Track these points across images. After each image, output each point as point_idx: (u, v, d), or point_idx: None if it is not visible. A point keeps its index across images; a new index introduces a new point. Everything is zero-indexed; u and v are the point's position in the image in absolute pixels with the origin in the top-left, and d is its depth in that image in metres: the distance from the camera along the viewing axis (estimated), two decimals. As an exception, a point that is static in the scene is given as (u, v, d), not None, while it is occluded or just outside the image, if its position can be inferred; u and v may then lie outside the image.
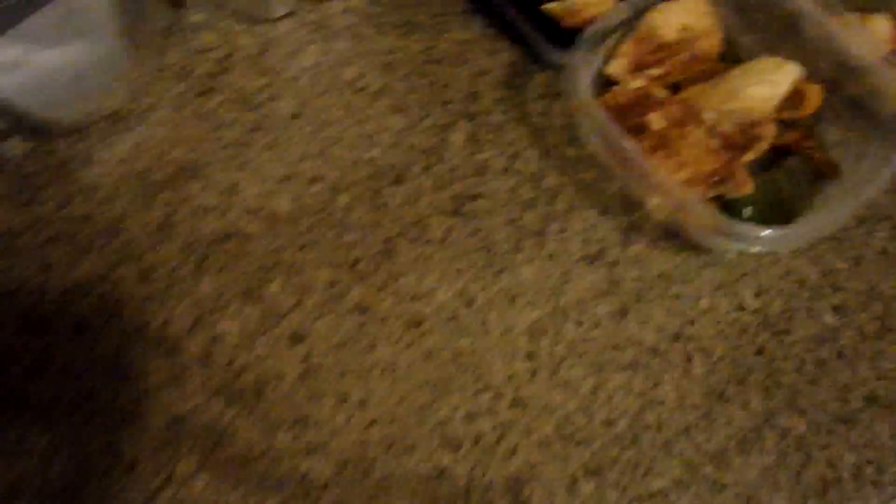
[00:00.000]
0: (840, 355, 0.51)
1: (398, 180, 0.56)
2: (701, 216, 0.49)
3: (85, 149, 0.57)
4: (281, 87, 0.59)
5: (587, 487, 0.46)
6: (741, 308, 0.53)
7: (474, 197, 0.56)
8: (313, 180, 0.56)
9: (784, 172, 0.54)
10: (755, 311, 0.53)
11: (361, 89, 0.60)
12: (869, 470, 0.47)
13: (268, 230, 0.54)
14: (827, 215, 0.49)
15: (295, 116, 0.59)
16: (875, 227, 0.57)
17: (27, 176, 0.56)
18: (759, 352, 0.51)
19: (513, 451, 0.48)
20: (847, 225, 0.55)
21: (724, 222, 0.48)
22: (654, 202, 0.54)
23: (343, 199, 0.55)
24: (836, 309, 0.53)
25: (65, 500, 0.46)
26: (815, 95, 0.57)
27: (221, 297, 0.52)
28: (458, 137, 0.58)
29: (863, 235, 0.57)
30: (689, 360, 0.50)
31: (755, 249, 0.50)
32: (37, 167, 0.57)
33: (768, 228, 0.47)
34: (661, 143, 0.53)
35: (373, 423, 0.49)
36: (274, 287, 0.53)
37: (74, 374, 0.49)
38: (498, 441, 0.48)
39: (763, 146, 0.53)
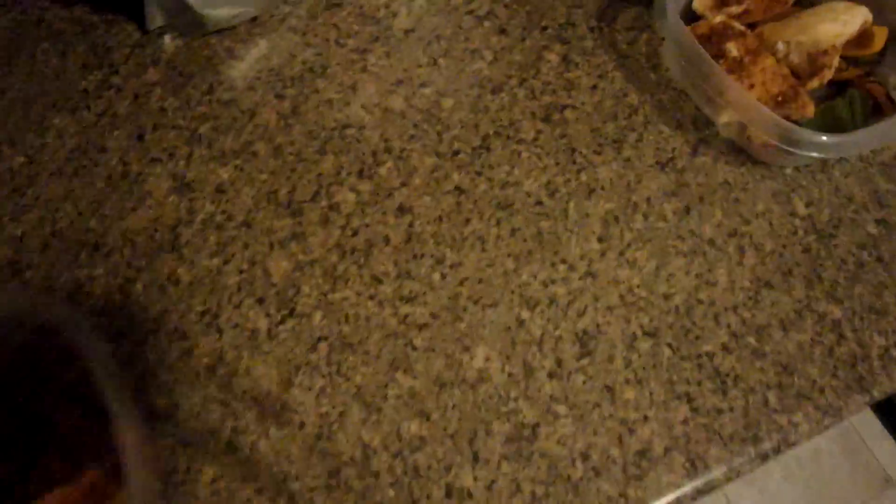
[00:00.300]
0: (878, 259, 0.63)
1: (497, 90, 0.70)
2: (766, 126, 0.61)
3: (229, 46, 0.72)
4: (400, 6, 0.74)
5: (644, 345, 0.58)
6: (793, 214, 0.64)
7: (563, 108, 0.69)
8: (423, 85, 0.70)
9: (844, 101, 0.66)
10: (805, 218, 0.64)
11: (470, 12, 0.73)
12: (895, 352, 0.58)
13: (382, 122, 0.67)
14: (883, 130, 0.60)
15: (410, 31, 0.73)
16: (924, 158, 0.68)
17: (179, 66, 0.71)
18: (806, 250, 0.62)
19: (582, 312, 0.60)
20: (889, 141, 0.66)
21: (787, 127, 0.59)
22: (723, 120, 0.66)
23: (447, 102, 0.69)
24: (879, 222, 0.65)
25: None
26: (881, 37, 0.68)
27: (340, 174, 0.66)
28: (552, 57, 0.71)
29: (911, 163, 0.68)
30: (741, 252, 0.62)
31: (813, 155, 0.61)
32: (187, 59, 0.72)
33: (826, 134, 0.58)
34: (736, 68, 0.65)
35: (464, 281, 0.62)
36: (384, 169, 0.67)
37: (217, 225, 0.63)
38: (570, 304, 0.61)
39: (827, 75, 0.65)
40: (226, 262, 0.61)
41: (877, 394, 0.57)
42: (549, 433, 0.54)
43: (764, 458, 0.54)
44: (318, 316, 0.60)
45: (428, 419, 0.55)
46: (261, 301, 0.60)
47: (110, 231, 0.59)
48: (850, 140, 0.61)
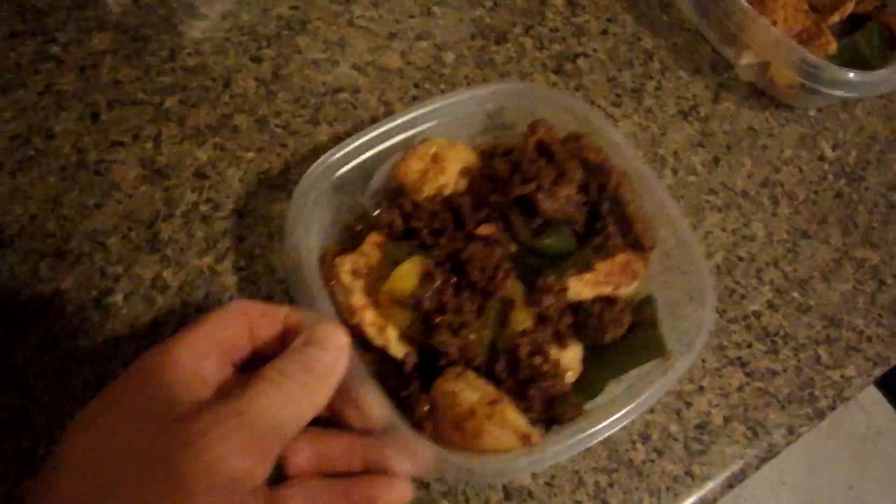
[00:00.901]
0: (908, 200, 0.62)
1: (501, 39, 0.64)
2: (792, 63, 0.57)
3: (189, 2, 0.63)
4: (383, -54, 0.66)
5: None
6: (821, 158, 0.62)
7: (575, 56, 0.64)
8: (419, 37, 0.63)
9: (864, 35, 0.64)
10: (833, 162, 0.62)
11: (462, -50, 0.66)
12: (934, 295, 0.58)
13: (378, 83, 0.60)
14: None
15: (396, -25, 0.65)
16: (938, 91, 0.67)
17: (131, 29, 0.62)
18: (838, 195, 0.61)
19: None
20: None
21: (815, 63, 0.56)
22: (744, 62, 0.63)
23: (449, 56, 0.63)
24: (905, 161, 0.64)
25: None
26: (892, -35, 0.66)
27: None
28: (557, 1, 0.65)
29: (928, 98, 0.67)
30: (775, 202, 0.60)
31: (839, 94, 0.58)
32: (140, 20, 0.62)
33: (855, 71, 0.56)
34: (756, 4, 0.61)
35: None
36: (387, 137, 0.60)
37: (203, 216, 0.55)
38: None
39: (848, 8, 0.62)
40: (219, 260, 0.54)
41: (921, 339, 0.57)
42: (606, 415, 0.51)
43: (821, 415, 0.54)
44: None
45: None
46: (268, 299, 0.53)
47: (74, 234, 0.51)
48: (879, 78, 0.59)
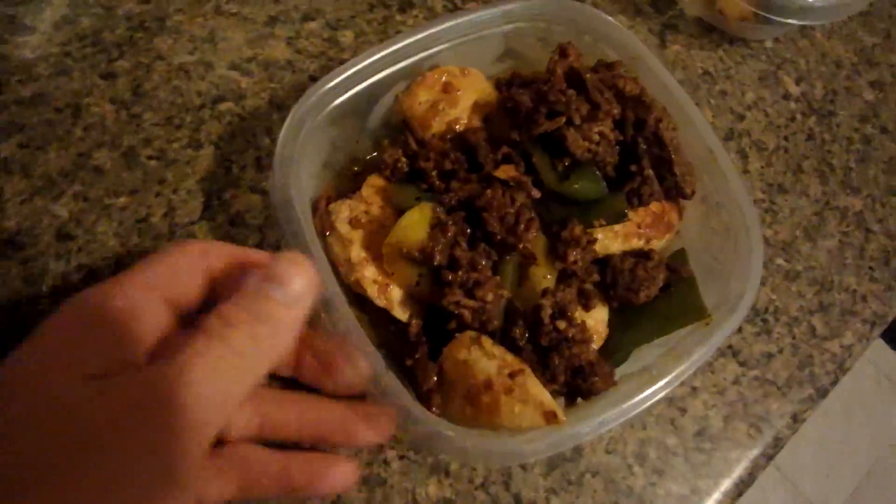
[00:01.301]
0: (883, 130, 0.56)
1: (406, 5, 0.53)
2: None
3: (8, 13, 0.50)
4: None
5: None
6: (786, 97, 0.55)
7: (493, 14, 0.53)
8: (306, 17, 0.52)
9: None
10: (799, 98, 0.56)
11: None
12: (922, 234, 0.53)
13: (266, 82, 0.50)
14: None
15: (266, -57, 0.53)
16: (897, -3, 0.60)
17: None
18: (809, 137, 0.54)
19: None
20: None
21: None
22: (687, -5, 0.54)
23: (346, 36, 0.52)
24: (874, 85, 0.57)
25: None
26: None
27: (231, 171, 0.49)
28: (462, -51, 0.55)
29: (889, 8, 0.60)
30: (744, 157, 0.53)
31: (796, 23, 0.51)
32: (-50, 45, 0.49)
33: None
34: (696, -77, 0.52)
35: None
36: (289, 147, 0.50)
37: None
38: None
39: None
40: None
41: (915, 286, 0.52)
42: (594, 445, 0.45)
43: (824, 394, 0.49)
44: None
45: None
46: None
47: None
48: (838, 1, 0.51)
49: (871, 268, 0.52)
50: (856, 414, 1.65)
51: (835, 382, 0.49)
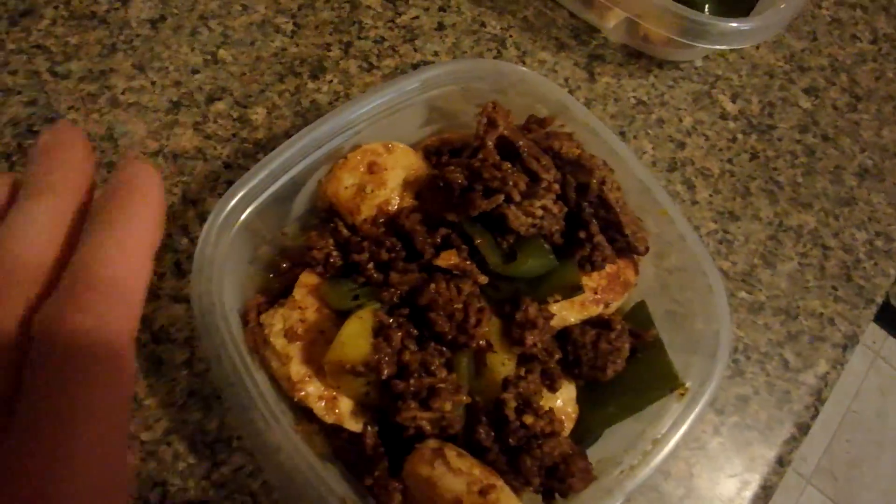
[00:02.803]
0: (824, 137, 0.52)
1: (317, 71, 0.47)
2: (665, 19, 0.45)
3: None
4: (124, -12, 0.47)
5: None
6: (723, 116, 0.51)
7: (414, 68, 0.48)
8: (212, 98, 0.46)
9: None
10: (737, 116, 0.52)
11: (232, -34, 0.48)
12: (879, 242, 0.50)
13: (177, 176, 0.44)
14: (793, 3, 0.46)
15: (158, 20, 0.47)
16: (820, -2, 0.56)
17: None
18: (753, 156, 0.51)
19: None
20: (797, 13, 0.54)
21: (692, 18, 0.44)
22: (611, 23, 0.50)
23: (258, 114, 0.46)
24: (808, 91, 0.54)
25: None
26: None
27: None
28: (371, 1, 0.49)
29: (811, 8, 0.56)
30: (691, 187, 0.49)
31: (720, 48, 0.47)
32: None
33: (738, 20, 0.44)
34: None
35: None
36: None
37: None
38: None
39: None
40: None
41: (879, 298, 0.48)
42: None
43: (806, 429, 0.45)
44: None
45: None
46: None
47: None
48: (767, 21, 0.48)
49: (833, 287, 0.49)
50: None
51: (815, 416, 0.45)
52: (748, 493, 0.43)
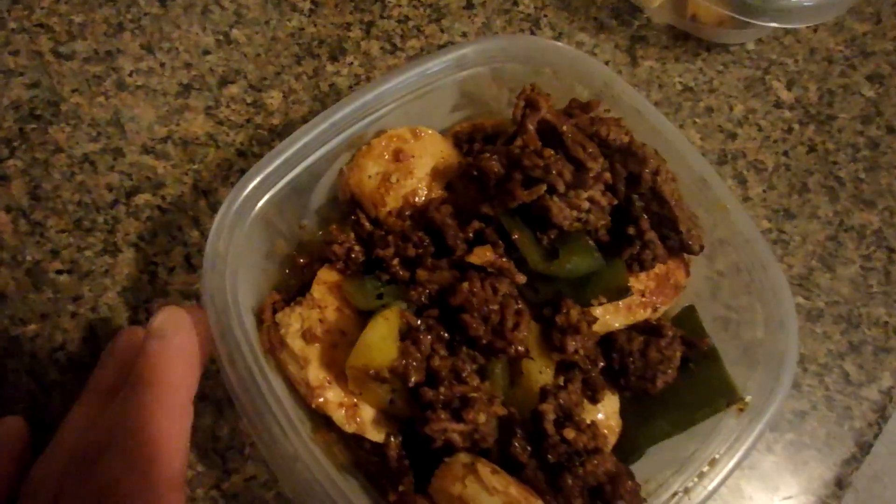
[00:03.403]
0: (889, 129, 0.49)
1: (337, 53, 0.44)
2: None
3: None
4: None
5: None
6: (778, 105, 0.48)
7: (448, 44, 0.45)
8: (225, 80, 0.43)
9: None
10: (793, 105, 0.48)
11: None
12: (949, 243, 0.45)
13: (187, 164, 0.41)
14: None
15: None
16: (883, -25, 0.52)
17: None
18: (811, 149, 0.47)
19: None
20: None
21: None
22: (656, 2, 0.46)
23: (274, 98, 0.43)
24: (871, 78, 0.50)
25: None
26: None
27: (156, 278, 0.40)
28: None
29: (875, -11, 0.51)
30: (743, 182, 0.45)
31: (775, 25, 0.43)
32: None
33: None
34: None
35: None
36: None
37: None
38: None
39: None
40: None
41: (949, 305, 0.44)
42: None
43: (867, 449, 0.41)
44: None
45: None
46: None
47: None
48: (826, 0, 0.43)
49: (899, 292, 0.45)
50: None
51: (878, 434, 0.42)
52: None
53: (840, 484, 0.40)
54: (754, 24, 0.45)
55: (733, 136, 0.47)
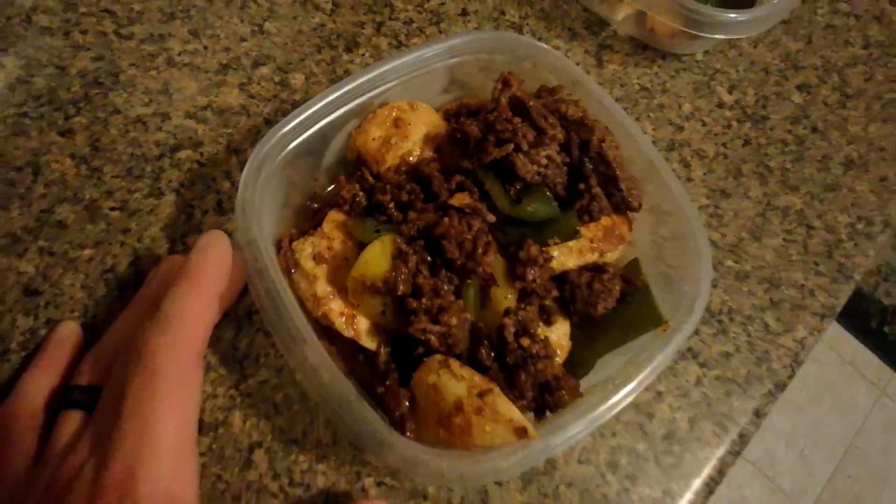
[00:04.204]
0: (814, 129, 0.57)
1: (351, 45, 0.53)
2: (669, 10, 0.50)
3: (-38, 80, 0.49)
4: (187, -38, 0.53)
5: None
6: (720, 105, 0.56)
7: (438, 47, 0.54)
8: (257, 63, 0.52)
9: (736, -39, 0.56)
10: (733, 106, 0.56)
11: (282, -51, 0.55)
12: (860, 226, 0.54)
13: (222, 128, 0.49)
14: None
15: (213, -6, 0.53)
16: (815, 4, 0.62)
17: None
18: (746, 142, 0.55)
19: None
20: (793, 7, 0.59)
21: (694, 9, 0.49)
22: (620, 16, 0.55)
23: (297, 79, 0.52)
24: (801, 87, 0.58)
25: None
26: None
27: (193, 216, 0.48)
28: (403, -14, 0.55)
29: (808, 14, 0.61)
30: (687, 166, 0.53)
31: (721, 37, 0.52)
32: None
33: (735, 11, 0.49)
34: (620, -50, 0.53)
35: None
36: (249, 189, 0.49)
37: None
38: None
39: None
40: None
41: (857, 276, 0.52)
42: (566, 456, 0.44)
43: (782, 387, 0.49)
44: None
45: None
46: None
47: None
48: (762, 13, 0.53)
49: (815, 262, 0.53)
50: (823, 402, 1.66)
51: (791, 375, 0.49)
52: (726, 439, 0.47)
53: (757, 413, 0.48)
54: (702, 37, 0.55)
55: (681, 128, 0.56)
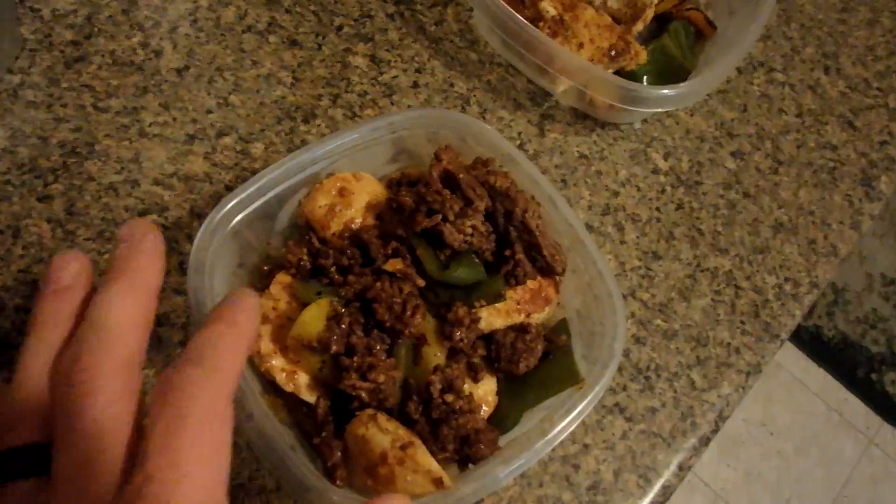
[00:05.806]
0: (745, 194, 0.61)
1: (309, 117, 0.58)
2: (604, 87, 0.55)
3: (-48, 149, 0.54)
4: (161, 41, 0.59)
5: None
6: (655, 171, 0.60)
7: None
8: (221, 133, 0.57)
9: (670, 37, 0.62)
10: (668, 172, 0.61)
11: (248, 28, 0.60)
12: (787, 287, 0.57)
13: (187, 194, 0.54)
14: (720, 71, 0.56)
15: (183, 70, 0.59)
16: (752, 75, 0.66)
17: None
18: (679, 206, 0.59)
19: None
20: (729, 77, 0.64)
21: (626, 86, 0.54)
22: (560, 89, 0.60)
23: (258, 148, 0.57)
24: (734, 154, 0.62)
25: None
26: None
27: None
28: (359, 61, 0.61)
29: (744, 84, 0.66)
30: (620, 229, 0.57)
31: (656, 110, 0.57)
32: None
33: (667, 87, 0.54)
34: (559, 28, 0.58)
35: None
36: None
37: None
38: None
39: (649, 14, 0.60)
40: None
41: (784, 335, 0.56)
42: (495, 502, 0.47)
43: (706, 442, 0.52)
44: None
45: None
46: None
47: None
48: (694, 87, 0.57)
49: (742, 322, 0.56)
50: (810, 452, 1.66)
51: (716, 430, 0.53)
52: (649, 490, 0.50)
53: (681, 467, 0.51)
54: (635, 109, 0.59)
55: (616, 193, 0.60)
